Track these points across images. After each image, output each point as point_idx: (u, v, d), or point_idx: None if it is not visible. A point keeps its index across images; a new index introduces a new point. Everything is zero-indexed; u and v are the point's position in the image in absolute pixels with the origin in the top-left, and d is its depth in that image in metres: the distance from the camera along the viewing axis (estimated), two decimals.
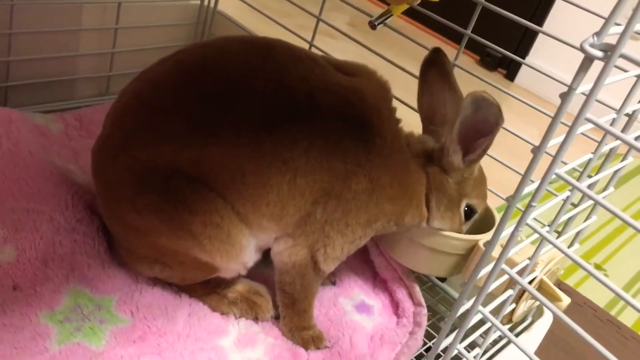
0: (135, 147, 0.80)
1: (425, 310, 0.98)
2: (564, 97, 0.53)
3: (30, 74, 1.16)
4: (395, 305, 1.01)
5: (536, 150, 0.58)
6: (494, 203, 1.04)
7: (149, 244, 0.84)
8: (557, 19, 2.76)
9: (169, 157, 0.79)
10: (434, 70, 0.91)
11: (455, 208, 0.90)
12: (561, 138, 0.57)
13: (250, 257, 0.86)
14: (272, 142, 0.78)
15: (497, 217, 1.01)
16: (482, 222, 1.03)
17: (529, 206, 0.60)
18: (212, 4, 1.39)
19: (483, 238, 0.94)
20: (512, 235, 0.65)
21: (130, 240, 0.86)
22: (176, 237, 0.81)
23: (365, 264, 1.07)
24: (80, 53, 1.23)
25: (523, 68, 2.83)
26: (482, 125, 0.79)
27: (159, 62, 0.86)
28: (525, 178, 0.60)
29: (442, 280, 1.13)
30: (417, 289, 1.01)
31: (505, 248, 0.66)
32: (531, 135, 0.97)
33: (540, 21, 2.73)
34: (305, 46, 1.24)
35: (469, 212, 0.92)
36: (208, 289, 0.91)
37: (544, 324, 1.02)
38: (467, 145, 0.84)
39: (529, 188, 0.62)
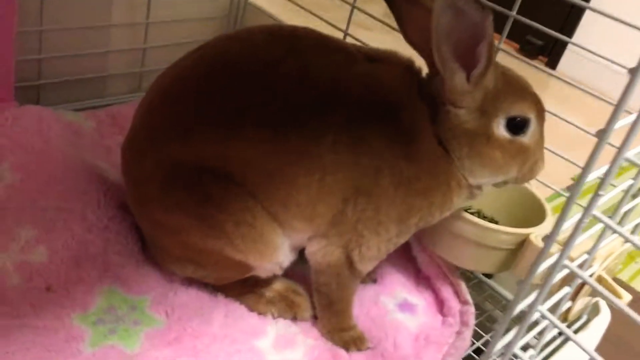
0: (162, 144, 0.77)
1: (472, 309, 0.93)
2: (635, 73, 0.47)
3: (62, 71, 1.14)
4: (440, 304, 0.96)
5: (602, 134, 0.52)
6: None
7: (180, 243, 0.81)
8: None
9: (195, 154, 0.76)
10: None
11: (482, 143, 0.76)
12: (629, 120, 0.51)
13: (284, 256, 0.82)
14: (297, 138, 0.74)
15: (547, 207, 0.95)
16: (529, 213, 0.97)
17: (595, 195, 0.55)
18: None
19: (534, 231, 0.88)
20: (577, 227, 0.59)
21: (162, 239, 0.84)
22: (208, 236, 0.77)
23: (408, 260, 1.02)
24: (111, 49, 1.21)
25: (565, 55, 2.73)
26: (473, 30, 0.69)
27: (184, 57, 0.83)
28: (589, 164, 0.55)
29: (489, 276, 1.07)
30: (463, 286, 0.96)
31: (569, 241, 0.61)
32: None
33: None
34: (340, 37, 1.19)
35: (517, 124, 0.77)
36: (245, 288, 0.88)
37: (602, 322, 0.96)
38: (467, 59, 0.72)
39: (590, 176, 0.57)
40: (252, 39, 0.80)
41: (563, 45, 2.74)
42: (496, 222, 1.00)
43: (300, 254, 0.86)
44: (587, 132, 0.99)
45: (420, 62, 0.84)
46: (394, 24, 1.12)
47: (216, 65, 0.78)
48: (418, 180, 0.78)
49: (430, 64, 0.80)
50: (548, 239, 0.61)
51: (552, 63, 2.79)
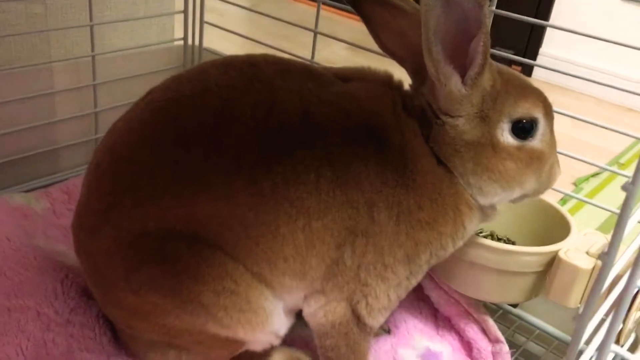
0: (117, 214, 0.65)
1: (506, 347, 0.81)
2: None
3: (7, 151, 1.03)
4: (468, 347, 0.84)
5: None
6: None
7: (155, 327, 0.68)
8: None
9: (158, 219, 0.64)
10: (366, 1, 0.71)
11: (488, 154, 0.66)
12: None
13: (279, 323, 0.69)
14: (272, 182, 0.63)
15: (569, 217, 0.83)
16: (549, 227, 0.86)
17: None
18: (197, 42, 1.25)
19: (561, 247, 0.77)
20: None
21: (133, 325, 0.71)
22: (186, 313, 0.65)
23: (421, 300, 0.90)
24: (58, 119, 1.09)
25: (539, 61, 2.66)
26: (465, 24, 0.60)
27: (132, 108, 0.72)
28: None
29: (514, 305, 0.95)
30: (490, 323, 0.83)
31: None
32: (563, 124, 0.80)
33: (547, 11, 2.58)
34: None
35: (524, 127, 0.67)
36: None
37: None
38: (460, 60, 0.63)
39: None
40: (205, 75, 0.69)
41: (534, 53, 2.69)
42: (513, 243, 0.88)
43: (299, 313, 0.74)
44: (590, 122, 0.89)
45: (398, 75, 0.74)
46: (358, 58, 1.01)
47: (168, 111, 0.67)
48: (421, 210, 0.66)
49: (414, 72, 0.70)
50: (606, 256, 0.49)
51: (528, 70, 2.73)
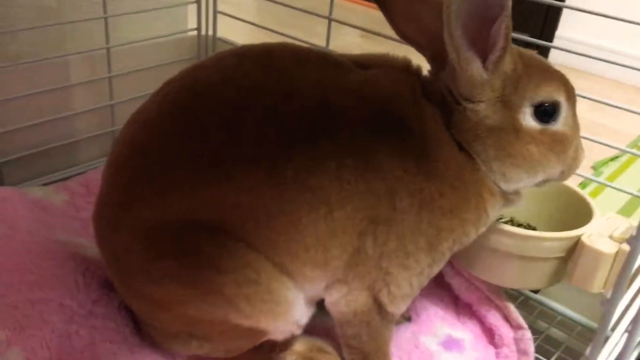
0: (137, 205, 0.65)
1: (529, 334, 0.80)
2: None
3: (24, 144, 1.03)
4: (489, 333, 0.83)
5: None
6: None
7: (177, 317, 0.68)
8: None
9: (178, 210, 0.64)
10: None
11: (511, 139, 0.65)
12: None
13: (301, 313, 0.69)
14: (293, 171, 0.62)
15: (591, 202, 0.82)
16: (570, 212, 0.84)
17: None
18: (210, 32, 1.25)
19: (584, 232, 0.76)
20: None
21: (155, 316, 0.71)
22: (207, 304, 0.65)
23: (442, 288, 0.89)
24: (75, 112, 1.09)
25: (555, 42, 2.63)
26: (487, 8, 0.59)
27: (149, 99, 0.72)
28: None
29: (535, 291, 0.94)
30: (512, 309, 0.83)
31: None
32: (581, 108, 0.78)
33: None
34: None
35: (546, 111, 0.66)
36: (260, 355, 0.74)
37: None
38: (481, 44, 0.62)
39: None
40: (222, 64, 0.69)
41: (550, 36, 2.65)
42: (534, 229, 0.87)
43: (319, 303, 0.73)
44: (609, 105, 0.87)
45: (416, 61, 0.73)
46: (370, 45, 1.01)
47: (186, 101, 0.67)
48: (443, 197, 0.66)
49: (432, 58, 0.69)
50: (636, 240, 0.48)
51: (544, 52, 2.69)
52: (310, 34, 1.18)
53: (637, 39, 2.37)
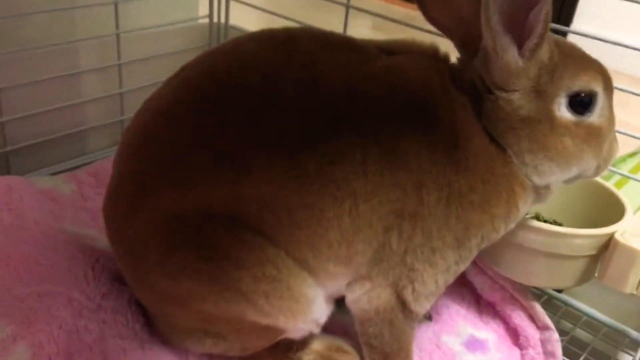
0: (152, 196, 0.62)
1: (556, 335, 0.77)
2: None
3: (31, 133, 1.00)
4: (514, 334, 0.80)
5: None
6: None
7: (192, 313, 0.65)
8: None
9: (196, 201, 0.60)
10: None
11: (545, 131, 0.62)
12: None
13: (321, 311, 0.66)
14: (317, 162, 0.59)
15: (622, 197, 0.79)
16: (600, 208, 0.81)
17: None
18: (222, 20, 1.21)
19: (617, 229, 0.72)
20: None
21: (169, 312, 0.68)
22: (224, 300, 0.62)
23: (463, 286, 0.86)
24: (84, 99, 1.06)
25: (570, 36, 2.58)
26: None
27: (164, 85, 0.69)
28: None
29: (559, 290, 0.91)
30: (538, 308, 0.79)
31: None
32: None
33: None
34: None
35: (582, 102, 0.62)
36: (276, 355, 0.71)
37: None
38: (518, 31, 0.59)
39: None
40: (242, 49, 0.66)
41: (563, 32, 2.60)
42: (560, 225, 0.84)
43: (337, 302, 0.70)
44: None
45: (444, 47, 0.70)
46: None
47: (204, 88, 0.64)
48: (472, 191, 0.62)
49: (463, 44, 0.65)
50: None
51: None
52: (323, 25, 1.14)
53: None
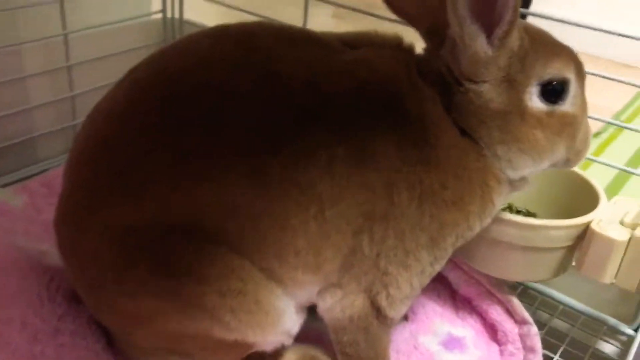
0: (105, 208, 0.58)
1: (534, 329, 0.75)
2: None
3: None
4: (492, 329, 0.78)
5: None
6: None
7: (155, 332, 0.61)
8: None
9: (152, 211, 0.57)
10: None
11: (516, 122, 0.59)
12: None
13: (292, 321, 0.63)
14: (280, 165, 0.55)
15: (596, 185, 0.77)
16: (573, 196, 0.79)
17: None
18: (176, 15, 1.16)
19: (592, 218, 0.70)
20: None
21: (130, 331, 0.64)
22: (188, 317, 0.58)
23: (438, 282, 0.84)
24: (32, 105, 1.00)
25: (529, 19, 2.59)
26: None
27: (114, 88, 0.64)
28: None
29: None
30: (516, 303, 0.78)
31: None
32: None
33: None
34: None
35: (554, 90, 0.60)
36: None
37: None
38: (486, 19, 0.56)
39: None
40: (196, 47, 0.62)
41: (522, 15, 2.61)
42: (534, 215, 0.82)
43: (310, 309, 0.67)
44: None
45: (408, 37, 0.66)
46: (344, 27, 0.95)
47: (157, 89, 0.59)
48: (445, 189, 0.59)
49: (429, 34, 0.62)
50: None
51: None
52: (282, 15, 1.10)
53: (613, 13, 2.35)
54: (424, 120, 0.59)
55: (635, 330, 0.82)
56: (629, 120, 1.91)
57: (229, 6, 1.11)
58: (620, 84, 0.87)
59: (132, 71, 0.63)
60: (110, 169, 0.59)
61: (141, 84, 0.60)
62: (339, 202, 0.57)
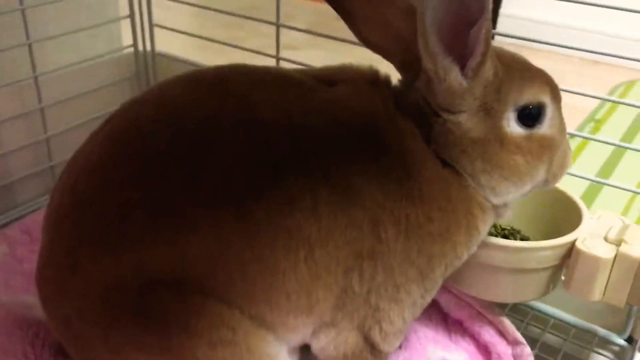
0: (86, 265, 0.57)
1: (528, 349, 0.75)
2: None
3: None
4: (486, 351, 0.78)
5: None
6: None
7: None
8: None
9: (136, 266, 0.56)
10: None
11: (496, 149, 0.60)
12: None
13: None
14: (265, 211, 0.55)
15: (580, 202, 0.77)
16: (557, 213, 0.80)
17: None
18: (148, 47, 1.15)
19: (577, 236, 0.71)
20: None
21: None
22: None
23: (430, 306, 0.81)
24: (6, 150, 0.99)
25: (500, 21, 2.61)
26: (464, 10, 0.53)
27: (88, 140, 0.63)
28: None
29: None
30: (507, 324, 0.77)
31: None
32: None
33: None
34: (272, 63, 1.01)
35: (530, 114, 0.60)
36: None
37: None
38: (459, 50, 0.56)
39: None
40: (169, 95, 0.61)
41: (494, 15, 2.62)
42: (518, 232, 0.82)
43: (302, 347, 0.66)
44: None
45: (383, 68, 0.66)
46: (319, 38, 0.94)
47: (132, 142, 0.59)
48: (431, 221, 0.59)
49: (404, 66, 0.62)
50: None
51: None
52: (255, 33, 1.09)
53: (582, 12, 2.37)
54: (405, 154, 0.59)
55: (627, 341, 0.82)
56: (605, 118, 1.93)
57: (198, 36, 1.11)
58: (593, 82, 0.87)
59: (106, 123, 0.62)
60: (89, 226, 0.58)
61: (115, 138, 0.60)
62: (327, 243, 0.57)
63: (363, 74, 0.64)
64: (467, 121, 0.59)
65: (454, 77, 0.57)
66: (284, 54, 1.02)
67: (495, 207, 0.64)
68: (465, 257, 0.63)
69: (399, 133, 0.60)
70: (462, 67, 0.57)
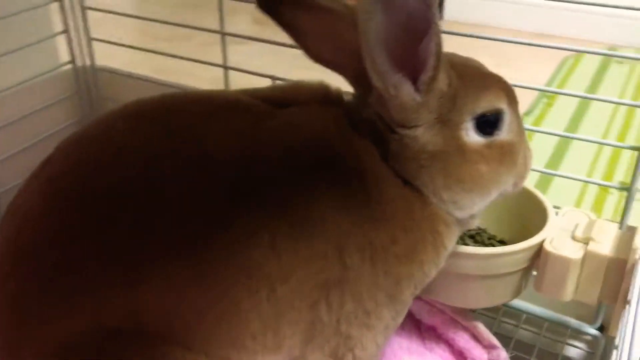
0: (34, 322, 0.53)
1: (504, 353, 0.74)
2: None
3: None
4: (461, 356, 0.76)
5: None
6: None
7: None
8: None
9: (89, 318, 0.52)
10: (283, 5, 0.60)
11: (457, 162, 0.58)
12: None
13: None
14: (220, 252, 0.52)
15: (545, 201, 0.76)
16: (524, 212, 0.78)
17: None
18: (87, 62, 1.10)
19: (543, 237, 0.70)
20: None
21: None
22: None
23: None
24: None
25: (448, 2, 2.59)
26: (411, 25, 0.50)
27: (27, 184, 0.59)
28: None
29: None
30: (481, 328, 0.76)
31: None
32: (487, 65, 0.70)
33: None
34: (218, 72, 0.97)
35: (488, 122, 0.58)
36: None
37: None
38: (409, 64, 0.53)
39: None
40: (111, 132, 0.57)
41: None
42: (484, 231, 0.81)
43: None
44: None
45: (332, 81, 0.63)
46: (267, 33, 0.91)
47: (74, 188, 0.54)
48: (395, 243, 0.57)
49: (356, 80, 0.60)
50: None
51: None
52: (200, 23, 1.04)
53: None
54: (363, 176, 0.57)
55: (599, 330, 0.83)
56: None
57: (139, 48, 1.06)
58: (544, 54, 0.86)
59: (44, 166, 0.58)
60: (35, 280, 0.53)
61: (56, 182, 0.55)
62: (289, 279, 0.54)
63: (314, 92, 0.61)
64: (424, 134, 0.57)
65: (406, 93, 0.54)
66: (230, 48, 0.97)
67: (460, 220, 0.62)
68: (433, 274, 0.62)
69: (355, 154, 0.57)
70: (414, 82, 0.54)
